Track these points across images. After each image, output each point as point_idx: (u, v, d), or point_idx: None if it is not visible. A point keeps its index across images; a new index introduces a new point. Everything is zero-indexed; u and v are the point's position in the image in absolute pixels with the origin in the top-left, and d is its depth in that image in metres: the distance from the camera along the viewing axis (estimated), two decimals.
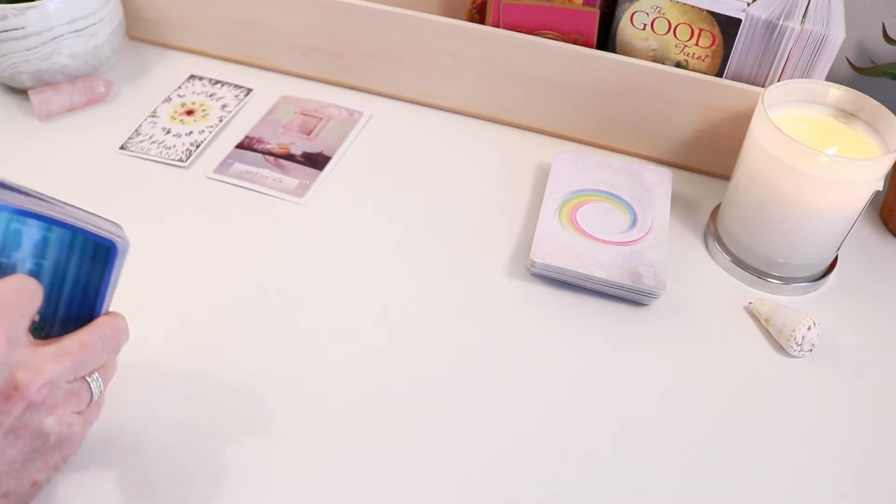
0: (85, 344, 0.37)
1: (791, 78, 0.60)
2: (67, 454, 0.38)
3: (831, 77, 0.59)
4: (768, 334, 0.55)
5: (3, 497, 0.35)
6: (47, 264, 0.37)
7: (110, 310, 0.41)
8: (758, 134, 0.54)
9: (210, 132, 0.69)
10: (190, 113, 0.72)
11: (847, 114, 0.56)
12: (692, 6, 0.61)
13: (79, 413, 0.38)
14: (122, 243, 0.38)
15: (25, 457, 0.35)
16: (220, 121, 0.71)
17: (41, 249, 0.37)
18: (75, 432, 0.37)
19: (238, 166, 0.66)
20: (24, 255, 0.37)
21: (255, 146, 0.68)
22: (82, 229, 0.37)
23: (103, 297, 0.39)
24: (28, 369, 0.34)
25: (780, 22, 0.58)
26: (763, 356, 0.53)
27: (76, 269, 0.38)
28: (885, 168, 0.52)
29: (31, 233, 0.36)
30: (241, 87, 0.76)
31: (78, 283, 0.38)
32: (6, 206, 0.35)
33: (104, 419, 0.47)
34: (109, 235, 0.38)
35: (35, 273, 0.37)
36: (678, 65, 0.64)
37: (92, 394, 0.38)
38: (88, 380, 0.38)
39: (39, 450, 0.36)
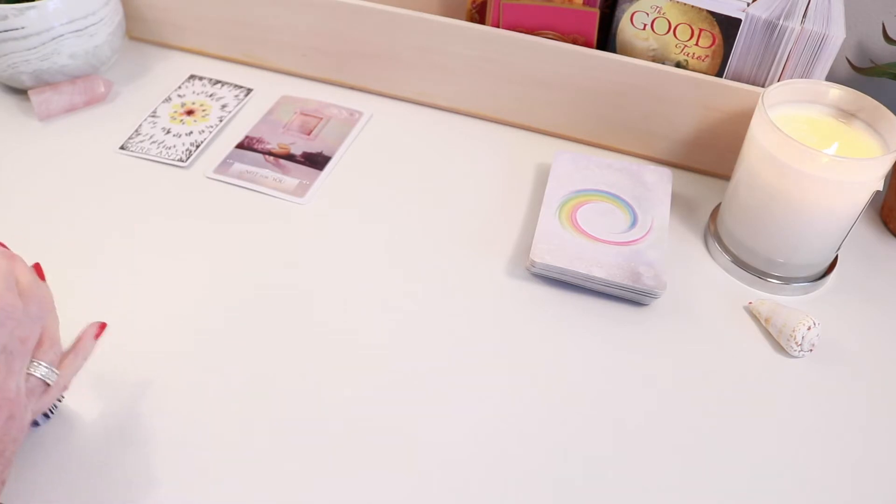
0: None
1: (791, 78, 0.60)
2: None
3: (831, 77, 0.59)
4: (768, 334, 0.55)
5: None
6: None
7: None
8: (758, 134, 0.54)
9: (210, 132, 0.69)
10: (190, 113, 0.72)
11: (847, 114, 0.56)
12: (692, 6, 0.61)
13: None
14: None
15: None
16: (220, 121, 0.71)
17: None
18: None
19: (238, 166, 0.66)
20: None
21: (255, 146, 0.68)
22: None
23: None
24: None
25: (780, 22, 0.58)
26: (763, 356, 0.53)
27: None
28: (885, 168, 0.52)
29: None
30: (241, 87, 0.76)
31: None
32: None
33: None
34: None
35: None
36: (678, 65, 0.64)
37: (33, 375, 0.40)
38: (33, 360, 0.41)
39: None
